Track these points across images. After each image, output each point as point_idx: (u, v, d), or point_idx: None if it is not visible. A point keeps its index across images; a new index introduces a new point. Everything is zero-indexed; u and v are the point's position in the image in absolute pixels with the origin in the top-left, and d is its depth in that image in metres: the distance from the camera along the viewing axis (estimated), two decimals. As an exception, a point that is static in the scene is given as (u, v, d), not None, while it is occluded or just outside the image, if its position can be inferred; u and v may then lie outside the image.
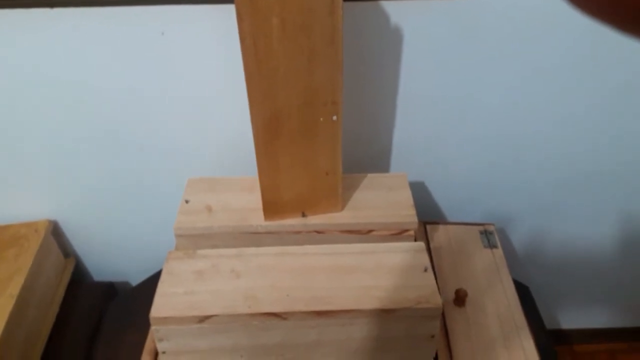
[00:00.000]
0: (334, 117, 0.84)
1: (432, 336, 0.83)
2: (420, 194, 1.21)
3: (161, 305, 0.80)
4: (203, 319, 0.79)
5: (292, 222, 0.94)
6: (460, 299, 0.96)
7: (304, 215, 0.94)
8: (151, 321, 0.79)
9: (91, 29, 0.94)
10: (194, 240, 0.94)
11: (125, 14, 0.92)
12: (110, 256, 1.32)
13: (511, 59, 1.00)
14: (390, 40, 0.97)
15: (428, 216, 1.25)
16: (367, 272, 0.84)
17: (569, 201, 1.23)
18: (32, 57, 0.97)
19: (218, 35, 0.95)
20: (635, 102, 1.06)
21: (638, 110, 1.07)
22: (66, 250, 1.28)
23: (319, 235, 0.94)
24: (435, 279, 0.85)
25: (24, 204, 1.20)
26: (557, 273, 1.42)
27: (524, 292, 1.14)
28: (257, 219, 0.94)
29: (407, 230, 0.93)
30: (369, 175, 1.03)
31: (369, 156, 1.15)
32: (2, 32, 0.94)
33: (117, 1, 0.91)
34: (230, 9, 0.86)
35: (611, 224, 1.29)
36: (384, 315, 0.79)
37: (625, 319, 1.60)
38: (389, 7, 0.93)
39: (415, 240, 0.95)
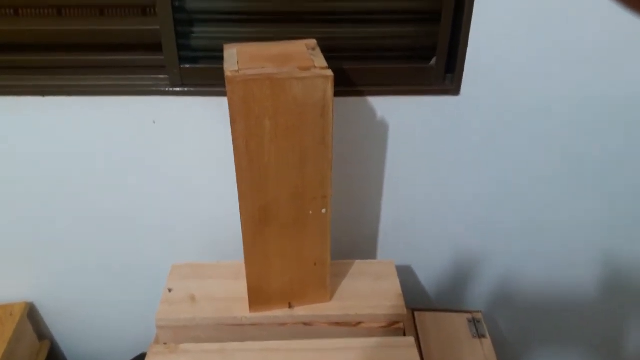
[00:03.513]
0: (323, 210, 0.84)
1: None
2: (407, 278, 1.20)
3: (140, 407, 0.77)
4: (184, 423, 0.75)
5: (279, 313, 0.91)
6: (450, 394, 0.93)
7: (290, 306, 0.92)
8: None
9: (82, 116, 0.95)
10: (175, 332, 0.91)
11: (116, 103, 0.93)
12: (87, 338, 1.26)
13: (493, 151, 1.03)
14: (377, 132, 1.00)
15: (415, 298, 1.24)
16: (356, 371, 0.82)
17: (554, 283, 1.23)
18: (22, 142, 0.97)
19: (209, 124, 0.96)
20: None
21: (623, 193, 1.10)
22: (41, 333, 1.23)
23: (306, 328, 0.92)
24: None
25: (-1, 284, 1.17)
26: (549, 357, 1.39)
27: (513, 382, 1.11)
28: (241, 310, 0.91)
29: (396, 323, 0.92)
30: (357, 262, 1.02)
31: (357, 240, 1.15)
32: (-8, 117, 0.94)
33: (108, 91, 0.92)
34: (222, 101, 0.88)
35: (609, 307, 1.28)
36: (373, 419, 0.76)
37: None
38: (376, 102, 0.96)
39: (405, 332, 0.93)
